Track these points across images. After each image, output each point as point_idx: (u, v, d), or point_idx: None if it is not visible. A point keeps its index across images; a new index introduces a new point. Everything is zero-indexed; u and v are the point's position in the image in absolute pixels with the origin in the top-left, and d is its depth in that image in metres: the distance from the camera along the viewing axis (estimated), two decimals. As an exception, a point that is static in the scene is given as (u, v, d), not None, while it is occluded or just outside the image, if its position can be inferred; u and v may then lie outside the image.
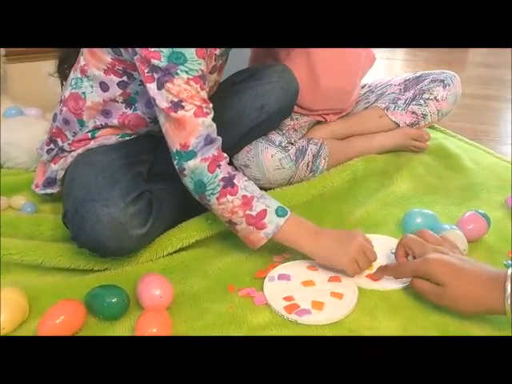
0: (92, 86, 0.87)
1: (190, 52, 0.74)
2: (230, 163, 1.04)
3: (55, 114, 0.93)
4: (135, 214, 0.79)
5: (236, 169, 1.03)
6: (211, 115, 0.78)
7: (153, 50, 0.73)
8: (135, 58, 0.77)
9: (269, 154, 1.01)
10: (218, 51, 0.86)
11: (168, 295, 0.74)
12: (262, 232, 0.78)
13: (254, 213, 0.78)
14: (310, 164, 1.07)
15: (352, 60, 1.14)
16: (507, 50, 2.43)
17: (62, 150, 0.92)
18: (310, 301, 0.75)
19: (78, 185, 0.83)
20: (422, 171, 1.16)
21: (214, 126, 0.79)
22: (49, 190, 0.95)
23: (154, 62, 0.74)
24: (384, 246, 0.87)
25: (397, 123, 1.20)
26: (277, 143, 1.02)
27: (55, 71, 0.98)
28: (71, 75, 0.90)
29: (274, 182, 1.04)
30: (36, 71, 1.07)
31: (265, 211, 0.78)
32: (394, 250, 0.86)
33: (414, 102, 1.20)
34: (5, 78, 1.28)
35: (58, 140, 0.92)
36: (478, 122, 1.54)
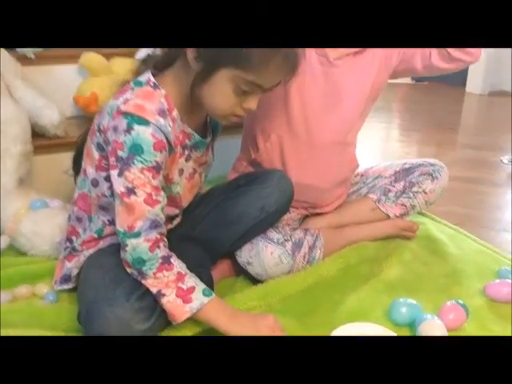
0: (89, 184, 0.98)
1: (147, 145, 0.86)
2: (234, 259, 1.15)
3: (69, 215, 1.05)
4: (139, 310, 0.87)
5: (240, 265, 1.13)
6: (160, 205, 0.89)
7: (120, 141, 0.86)
8: (108, 148, 0.89)
9: (269, 252, 1.12)
10: (188, 141, 0.97)
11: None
12: (187, 306, 0.88)
13: (184, 286, 0.89)
14: (307, 256, 1.17)
15: (325, 161, 1.20)
16: (494, 132, 2.56)
17: (74, 249, 1.03)
18: None
19: (88, 286, 0.94)
20: (409, 257, 1.27)
21: (161, 215, 0.90)
22: (65, 286, 1.05)
23: (119, 152, 0.86)
24: (371, 334, 0.96)
25: (388, 215, 1.30)
26: (275, 240, 1.13)
27: (70, 168, 1.09)
28: (78, 178, 1.03)
29: (275, 277, 1.13)
30: (59, 163, 1.19)
31: (194, 288, 0.89)
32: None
33: (403, 195, 1.29)
34: (31, 171, 1.40)
35: (73, 238, 1.04)
36: (464, 205, 1.63)
